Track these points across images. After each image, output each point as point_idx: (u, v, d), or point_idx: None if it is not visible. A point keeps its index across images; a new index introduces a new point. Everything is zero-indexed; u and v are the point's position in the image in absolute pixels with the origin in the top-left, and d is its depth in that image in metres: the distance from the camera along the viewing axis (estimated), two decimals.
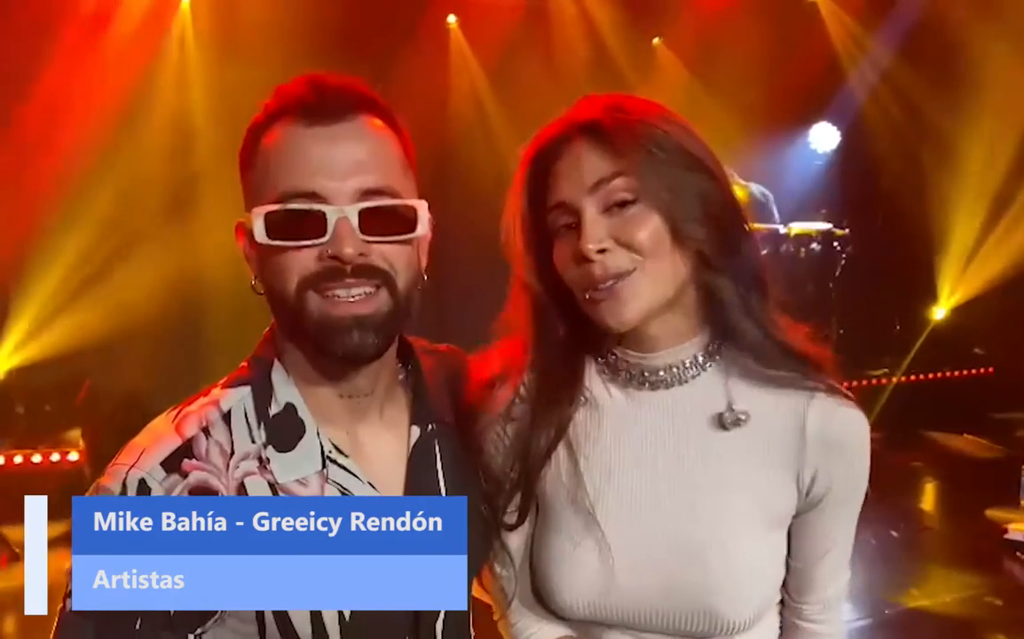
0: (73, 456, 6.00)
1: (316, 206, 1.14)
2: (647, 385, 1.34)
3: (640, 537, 1.30)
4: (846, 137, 9.02)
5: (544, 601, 1.36)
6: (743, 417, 1.30)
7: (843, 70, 8.92)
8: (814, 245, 8.38)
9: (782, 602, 1.41)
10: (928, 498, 6.69)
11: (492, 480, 1.36)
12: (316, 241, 1.14)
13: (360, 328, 1.16)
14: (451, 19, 8.34)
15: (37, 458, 5.97)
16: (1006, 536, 5.30)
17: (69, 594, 1.12)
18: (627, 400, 1.35)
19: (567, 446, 1.35)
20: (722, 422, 1.31)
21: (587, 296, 1.27)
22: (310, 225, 1.14)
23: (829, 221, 8.49)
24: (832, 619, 1.40)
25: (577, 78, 7.74)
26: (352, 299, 1.16)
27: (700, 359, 1.33)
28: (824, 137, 9.06)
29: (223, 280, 6.42)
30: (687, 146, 1.27)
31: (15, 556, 5.20)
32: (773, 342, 1.31)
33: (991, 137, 8.01)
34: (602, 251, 1.24)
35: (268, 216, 1.15)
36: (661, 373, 1.33)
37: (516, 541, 1.39)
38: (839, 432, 1.30)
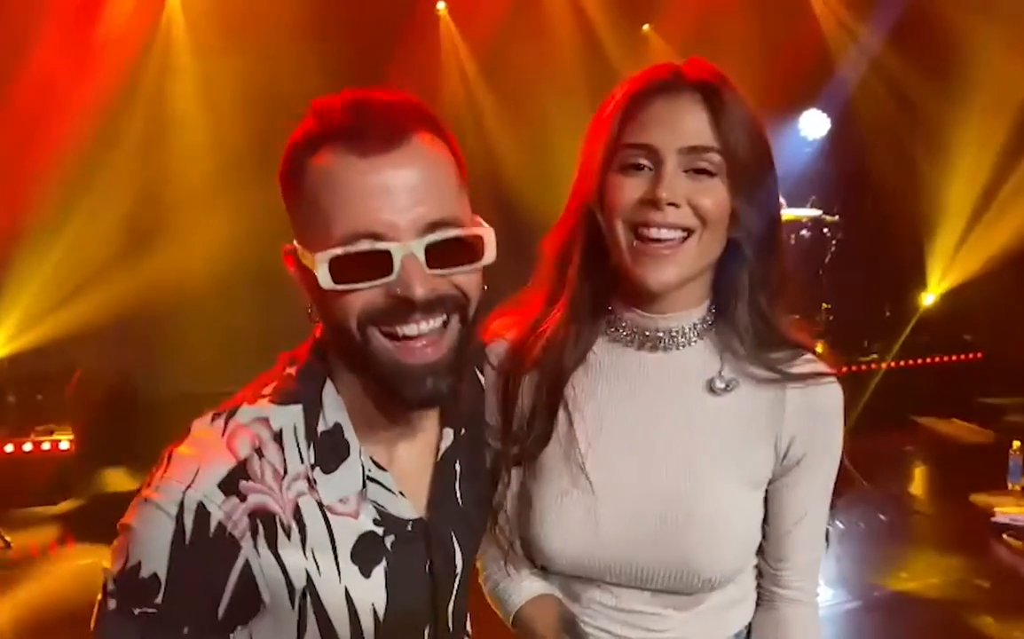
0: (64, 445, 6.00)
1: (381, 245, 1.08)
2: (646, 346, 1.40)
3: (627, 489, 1.36)
4: (836, 124, 9.02)
5: (531, 554, 1.41)
6: (731, 384, 1.37)
7: (833, 57, 8.93)
8: (804, 231, 8.40)
9: (761, 575, 1.45)
10: (917, 482, 6.73)
11: (518, 412, 1.41)
12: (383, 280, 1.09)
13: (434, 375, 1.14)
14: (441, 6, 8.33)
15: (28, 447, 5.96)
16: (993, 519, 5.35)
17: (112, 594, 1.13)
18: (625, 361, 1.40)
19: (564, 401, 1.40)
20: (711, 387, 1.37)
21: (635, 244, 1.31)
22: (375, 264, 1.09)
23: (819, 208, 8.50)
24: (807, 588, 1.44)
25: (567, 65, 7.74)
26: (423, 343, 1.13)
27: (698, 327, 1.39)
28: (814, 124, 9.06)
29: (214, 271, 6.42)
30: (767, 144, 1.35)
31: (6, 545, 5.20)
32: (769, 331, 1.37)
33: (980, 124, 8.03)
34: (672, 204, 1.28)
35: (332, 262, 1.08)
36: (660, 335, 1.39)
37: (510, 500, 1.43)
38: (818, 403, 1.37)
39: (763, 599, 1.46)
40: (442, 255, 1.11)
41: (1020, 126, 7.86)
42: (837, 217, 8.49)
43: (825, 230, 8.43)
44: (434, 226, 1.10)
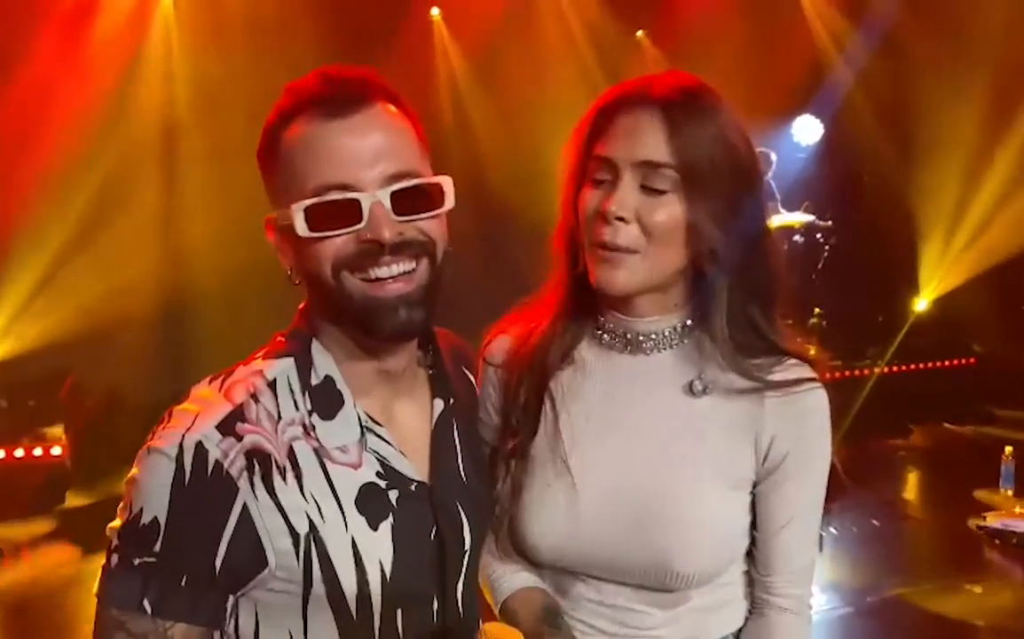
0: (56, 451, 5.98)
1: (350, 195, 1.19)
2: (628, 349, 1.43)
3: (606, 485, 1.39)
4: (829, 129, 9.05)
5: (518, 544, 1.44)
6: (711, 387, 1.39)
7: (826, 62, 8.97)
8: (797, 237, 8.42)
9: (752, 582, 1.45)
10: (910, 487, 6.74)
11: (509, 405, 1.47)
12: (353, 227, 1.19)
13: (407, 305, 1.22)
14: (434, 12, 8.34)
15: (20, 453, 5.94)
16: (986, 524, 5.36)
17: (115, 549, 1.17)
18: (610, 363, 1.44)
19: (551, 401, 1.45)
20: (692, 389, 1.39)
21: (592, 249, 1.36)
22: (347, 213, 1.19)
23: (812, 213, 8.53)
24: (799, 595, 1.43)
25: (560, 71, 7.75)
26: (394, 278, 1.22)
27: (679, 330, 1.42)
28: (807, 129, 9.09)
29: (206, 275, 6.42)
30: (741, 160, 1.35)
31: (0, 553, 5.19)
32: (756, 339, 1.39)
33: (973, 129, 8.07)
34: (620, 219, 1.32)
35: (308, 209, 1.19)
36: (641, 338, 1.42)
37: (503, 492, 1.46)
38: (798, 405, 1.38)
39: (754, 607, 1.45)
40: (406, 202, 1.21)
41: (1013, 132, 7.90)
42: (830, 222, 8.52)
43: (818, 235, 8.46)
44: (398, 176, 1.21)
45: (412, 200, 1.21)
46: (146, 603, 1.14)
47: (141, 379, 6.50)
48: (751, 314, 1.39)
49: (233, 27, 6.98)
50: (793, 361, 1.40)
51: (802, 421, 1.39)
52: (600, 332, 1.45)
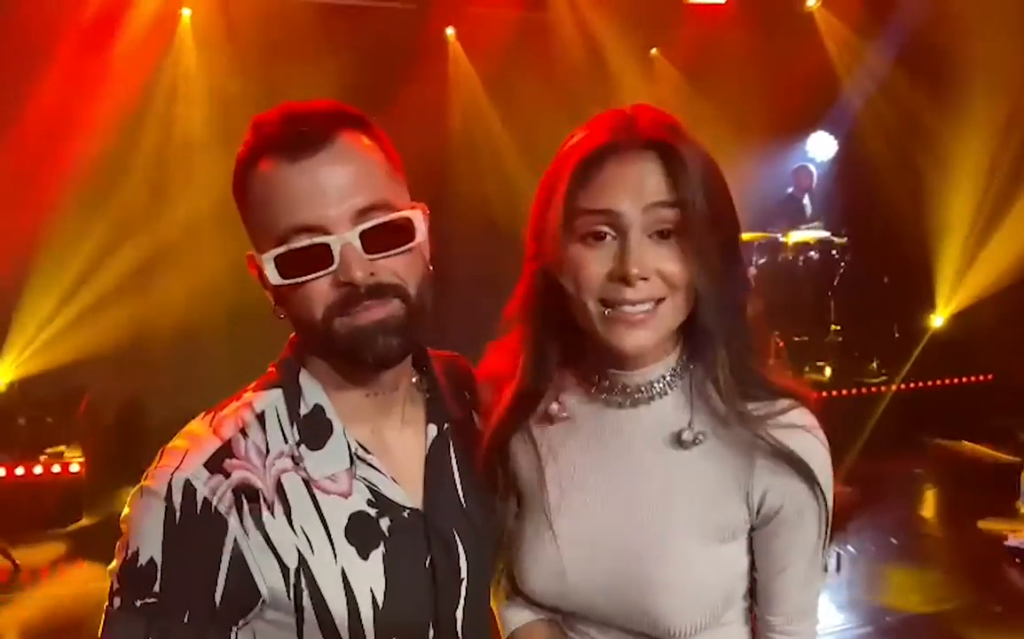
0: (74, 468, 6.01)
1: (319, 239, 1.18)
2: (614, 403, 1.39)
3: (589, 539, 1.36)
4: (843, 146, 9.04)
5: (516, 588, 1.43)
6: (701, 437, 1.34)
7: (840, 79, 8.96)
8: (812, 253, 8.40)
9: (756, 618, 1.43)
10: (927, 505, 6.68)
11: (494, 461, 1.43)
12: (326, 271, 1.20)
13: (383, 332, 1.22)
14: (449, 31, 8.38)
15: (38, 470, 5.98)
16: (1006, 543, 5.31)
17: (116, 593, 1.17)
18: (597, 415, 1.40)
19: (537, 452, 1.42)
20: (680, 440, 1.34)
21: (607, 313, 1.28)
22: (317, 258, 1.19)
23: (827, 229, 8.51)
24: (801, 631, 1.40)
25: (575, 89, 7.77)
26: (371, 310, 1.22)
27: (668, 378, 1.37)
28: (821, 146, 9.09)
29: (223, 293, 6.44)
30: (725, 190, 1.31)
31: (17, 569, 5.21)
32: (745, 379, 1.33)
33: (987, 145, 8.04)
34: (643, 278, 1.25)
35: (277, 258, 1.20)
36: (629, 390, 1.37)
37: (507, 530, 1.44)
38: (790, 455, 1.30)
39: None
40: (377, 240, 1.21)
41: None
42: (845, 239, 8.50)
43: (833, 252, 8.44)
44: (365, 212, 1.20)
45: (383, 237, 1.21)
46: None
47: (158, 397, 6.53)
48: (741, 355, 1.33)
49: (250, 47, 7.03)
50: (787, 404, 1.33)
51: (796, 475, 1.31)
52: (587, 384, 1.41)
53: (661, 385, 1.37)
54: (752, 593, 1.41)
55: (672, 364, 1.37)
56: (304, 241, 1.18)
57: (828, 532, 1.36)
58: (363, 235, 1.19)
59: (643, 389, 1.37)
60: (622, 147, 1.27)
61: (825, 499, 1.33)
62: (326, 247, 1.18)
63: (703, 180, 1.26)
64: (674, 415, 1.36)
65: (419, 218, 1.26)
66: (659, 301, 1.27)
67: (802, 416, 1.33)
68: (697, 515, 1.33)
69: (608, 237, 1.27)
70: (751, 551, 1.37)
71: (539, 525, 1.39)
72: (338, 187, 1.19)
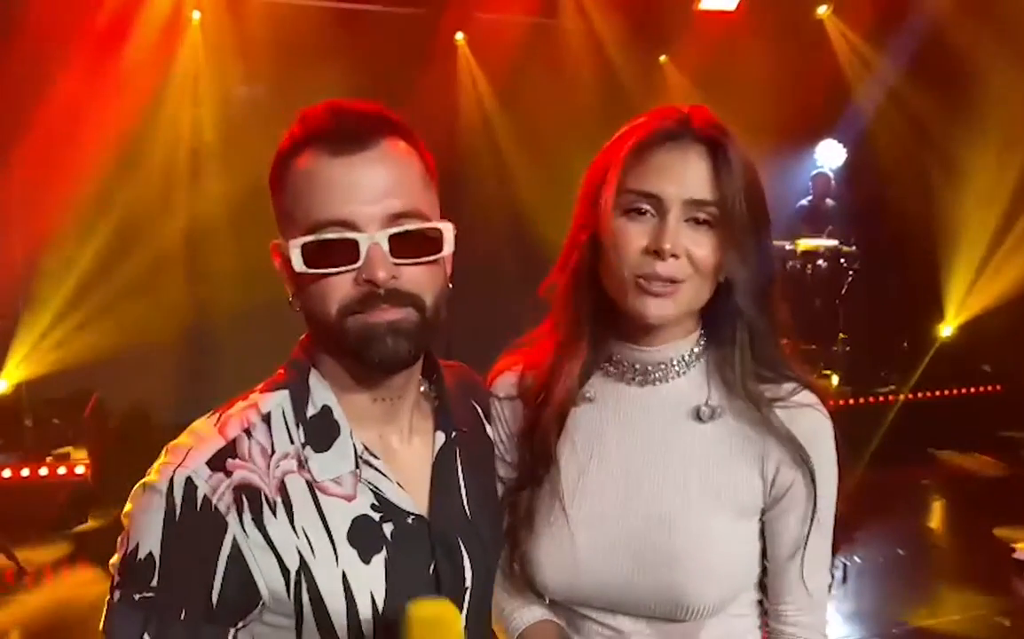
0: (80, 470, 6.02)
1: (349, 234, 1.20)
2: (636, 380, 1.46)
3: (607, 521, 1.40)
4: (853, 154, 9.01)
5: (529, 582, 1.45)
6: (717, 412, 1.42)
7: (849, 87, 8.94)
8: (821, 262, 8.38)
9: (766, 613, 1.45)
10: (936, 516, 6.65)
11: (525, 444, 1.47)
12: (350, 267, 1.21)
13: (394, 334, 1.22)
14: (459, 36, 8.39)
15: (44, 471, 5.98)
16: (1014, 555, 5.28)
17: (116, 585, 1.19)
18: (617, 395, 1.47)
19: (560, 433, 1.46)
20: (699, 415, 1.42)
21: (638, 281, 1.36)
22: (344, 252, 1.20)
23: (836, 238, 8.49)
24: (811, 623, 1.43)
25: (584, 95, 7.77)
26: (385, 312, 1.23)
27: (687, 358, 1.45)
28: (831, 154, 9.06)
29: (231, 296, 6.46)
30: (763, 196, 1.41)
31: (22, 571, 5.21)
32: (761, 363, 1.42)
33: (998, 154, 8.01)
34: (674, 255, 1.34)
35: (305, 246, 1.21)
36: (649, 368, 1.44)
37: (515, 528, 1.46)
38: (802, 431, 1.39)
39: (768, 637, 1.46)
40: (405, 246, 1.22)
41: None
42: (854, 247, 8.47)
43: (842, 260, 8.41)
44: (397, 217, 1.22)
45: (411, 244, 1.23)
46: (147, 638, 1.16)
47: (165, 399, 6.54)
48: (762, 340, 1.42)
49: (260, 53, 7.05)
50: (796, 386, 1.42)
51: (806, 452, 1.39)
52: (608, 364, 1.47)
53: (679, 365, 1.44)
54: (762, 586, 1.44)
55: (692, 345, 1.45)
56: (334, 234, 1.20)
57: (836, 513, 1.42)
58: (392, 239, 1.21)
59: (663, 366, 1.44)
60: (676, 137, 1.37)
61: (832, 476, 1.41)
62: (354, 243, 1.20)
63: (744, 182, 1.36)
64: (692, 391, 1.44)
65: (449, 232, 1.27)
66: (681, 281, 1.36)
67: (810, 397, 1.42)
68: (718, 487, 1.39)
69: (648, 214, 1.36)
70: (763, 537, 1.42)
71: (553, 513, 1.42)
72: (374, 188, 1.21)
